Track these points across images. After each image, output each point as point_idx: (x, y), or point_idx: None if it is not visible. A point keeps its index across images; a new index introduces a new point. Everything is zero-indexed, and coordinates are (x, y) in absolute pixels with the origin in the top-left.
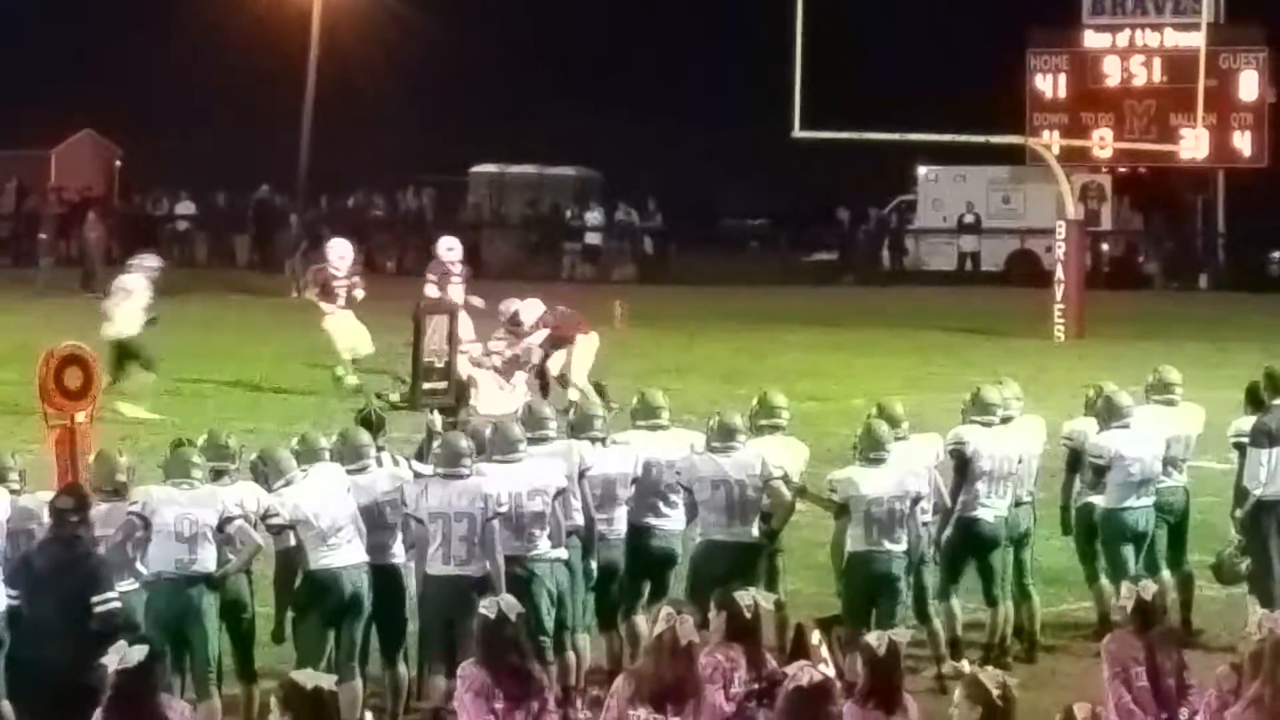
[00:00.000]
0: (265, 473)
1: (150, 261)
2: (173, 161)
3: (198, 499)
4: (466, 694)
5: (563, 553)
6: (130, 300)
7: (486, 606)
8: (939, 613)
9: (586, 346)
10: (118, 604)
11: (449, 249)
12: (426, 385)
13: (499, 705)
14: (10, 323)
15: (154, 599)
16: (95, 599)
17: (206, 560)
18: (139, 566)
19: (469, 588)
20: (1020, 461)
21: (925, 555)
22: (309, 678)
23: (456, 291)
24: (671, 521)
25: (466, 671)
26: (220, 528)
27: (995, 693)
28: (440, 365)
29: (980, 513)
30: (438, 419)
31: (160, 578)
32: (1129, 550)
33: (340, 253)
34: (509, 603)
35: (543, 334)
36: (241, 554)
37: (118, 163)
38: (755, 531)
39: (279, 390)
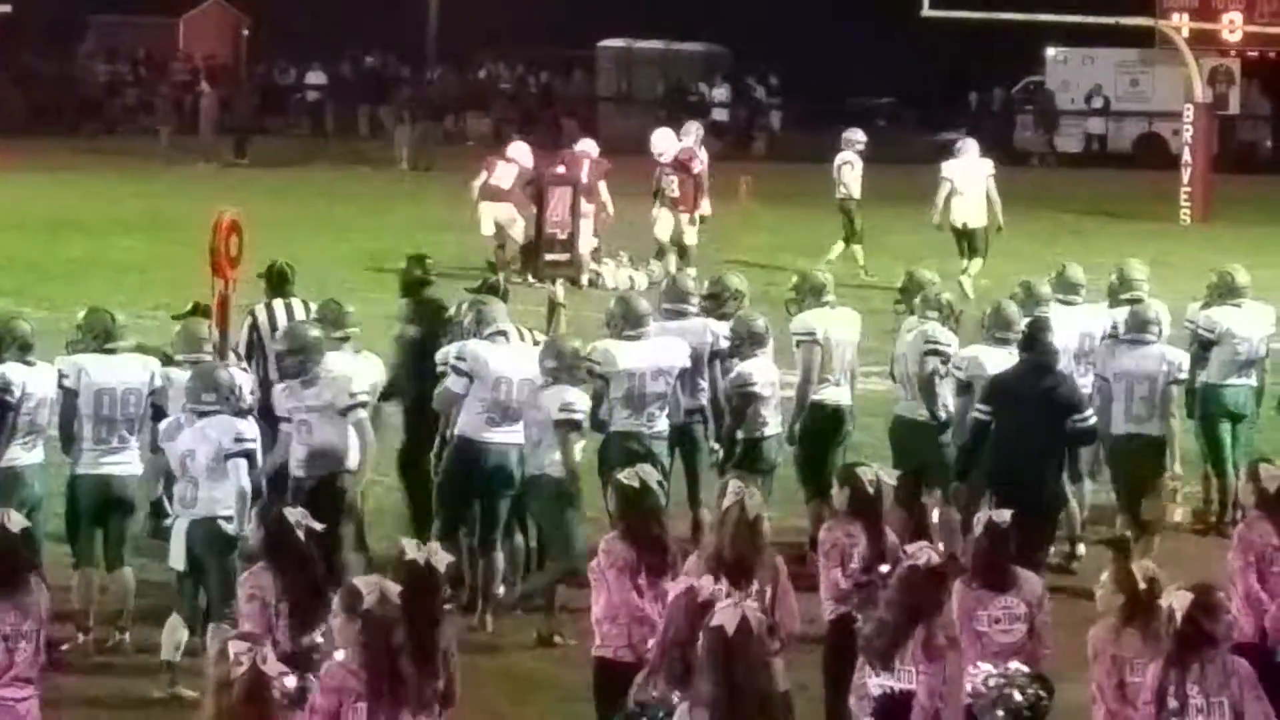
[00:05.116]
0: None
1: (857, 136)
2: (298, 30)
3: None
4: (610, 570)
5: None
6: (854, 169)
7: (627, 476)
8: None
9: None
10: (1093, 423)
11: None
12: (549, 257)
13: (641, 580)
14: (135, 190)
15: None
16: (1076, 418)
17: None
18: None
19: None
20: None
21: None
22: (415, 550)
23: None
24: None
25: (610, 546)
26: None
27: (1142, 586)
28: (563, 237)
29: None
30: (560, 290)
31: None
32: (1225, 427)
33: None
34: (648, 471)
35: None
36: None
37: (245, 31)
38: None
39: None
